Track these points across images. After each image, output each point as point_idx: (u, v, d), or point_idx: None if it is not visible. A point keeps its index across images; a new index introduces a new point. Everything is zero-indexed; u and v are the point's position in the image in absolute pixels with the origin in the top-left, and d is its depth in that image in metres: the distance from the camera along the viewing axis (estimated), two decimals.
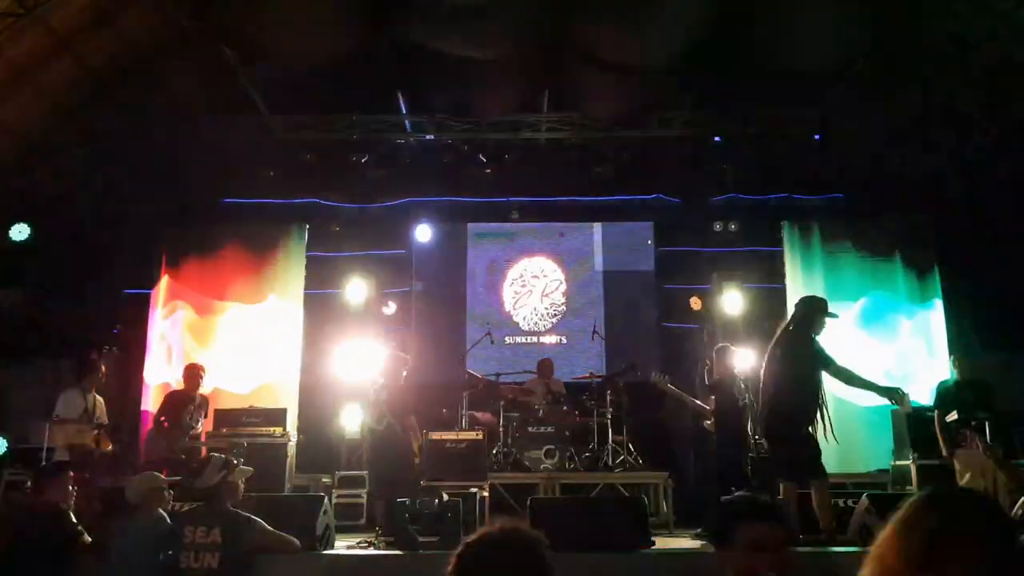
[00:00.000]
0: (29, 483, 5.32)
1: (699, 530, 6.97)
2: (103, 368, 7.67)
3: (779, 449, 6.03)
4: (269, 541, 4.75)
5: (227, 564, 4.38)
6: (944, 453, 7.54)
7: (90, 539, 5.10)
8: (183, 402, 7.86)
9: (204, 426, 7.78)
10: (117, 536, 4.78)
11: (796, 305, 6.45)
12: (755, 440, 7.90)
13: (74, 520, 5.18)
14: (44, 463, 6.69)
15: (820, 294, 10.11)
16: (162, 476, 5.13)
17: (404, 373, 7.18)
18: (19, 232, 8.71)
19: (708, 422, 7.86)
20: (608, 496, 8.26)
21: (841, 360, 6.20)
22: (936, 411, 7.63)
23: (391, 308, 10.91)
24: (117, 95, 9.80)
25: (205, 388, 8.27)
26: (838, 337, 10.01)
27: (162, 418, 7.79)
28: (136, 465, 7.49)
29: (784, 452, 5.98)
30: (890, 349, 10.00)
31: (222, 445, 7.68)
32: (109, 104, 9.81)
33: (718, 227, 11.56)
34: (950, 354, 8.60)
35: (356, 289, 10.15)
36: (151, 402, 9.73)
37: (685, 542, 6.73)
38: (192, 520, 4.51)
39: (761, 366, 6.35)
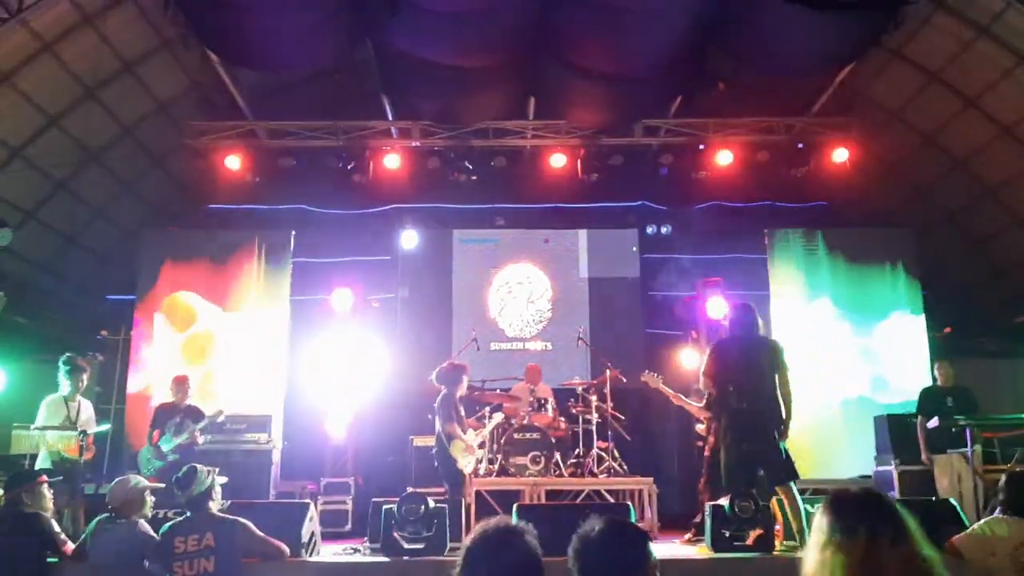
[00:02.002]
0: (1, 491, 5.25)
1: (689, 535, 7.00)
2: (85, 372, 7.59)
3: (774, 453, 6.04)
4: (259, 544, 4.75)
5: (223, 566, 4.38)
6: (923, 458, 7.68)
7: (72, 546, 5.08)
8: (169, 414, 7.82)
9: (195, 436, 7.69)
10: (96, 541, 4.76)
11: (750, 311, 6.42)
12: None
13: (56, 528, 5.15)
14: (23, 470, 6.63)
15: (803, 300, 10.29)
16: (144, 480, 5.10)
17: (460, 380, 7.30)
18: (1, 236, 8.63)
19: (700, 425, 7.89)
20: (593, 502, 8.29)
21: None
22: (919, 417, 7.75)
23: None
24: (101, 99, 9.76)
25: (192, 398, 8.20)
26: (826, 340, 10.17)
27: (153, 431, 7.77)
28: (121, 472, 7.44)
29: (774, 455, 6.01)
30: (874, 353, 10.10)
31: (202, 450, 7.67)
32: (93, 109, 9.77)
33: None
34: (932, 361, 8.70)
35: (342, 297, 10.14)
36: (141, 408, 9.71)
37: (670, 548, 6.75)
38: (181, 531, 4.49)
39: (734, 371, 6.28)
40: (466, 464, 7.18)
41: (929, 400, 7.84)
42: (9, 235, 8.71)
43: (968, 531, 4.24)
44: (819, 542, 2.04)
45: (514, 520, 2.26)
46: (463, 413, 7.43)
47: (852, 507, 2.03)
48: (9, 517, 5.04)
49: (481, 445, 7.51)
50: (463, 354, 10.55)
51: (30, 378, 8.84)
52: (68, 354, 7.43)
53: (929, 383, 8.90)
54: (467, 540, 2.20)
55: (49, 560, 5.05)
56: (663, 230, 11.80)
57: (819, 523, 2.08)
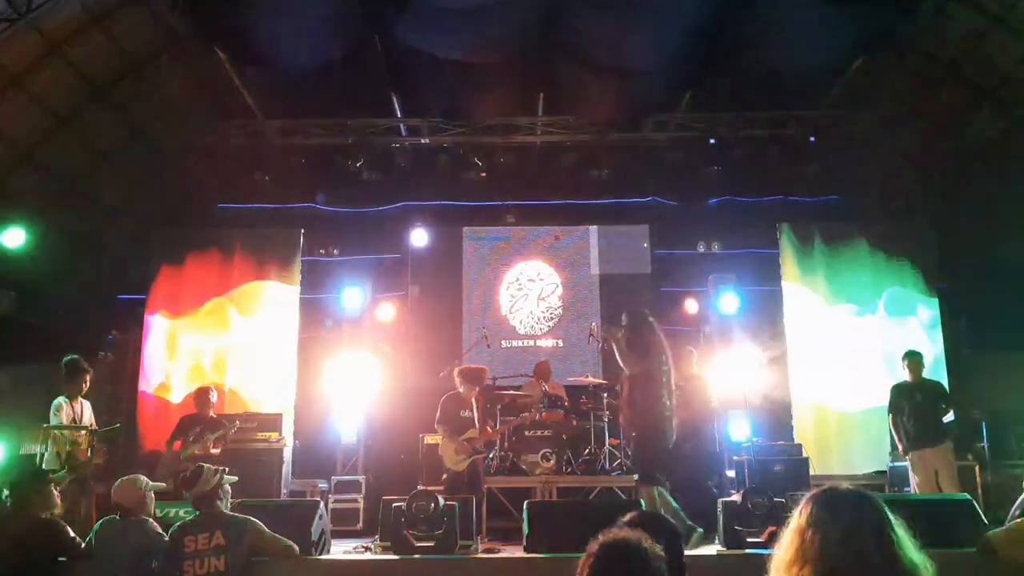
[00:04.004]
0: (8, 490, 5.21)
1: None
2: (88, 374, 7.58)
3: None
4: (268, 543, 4.73)
5: (233, 565, 4.36)
6: (901, 450, 7.62)
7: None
8: (191, 424, 7.86)
9: (207, 446, 7.70)
10: (104, 541, 4.74)
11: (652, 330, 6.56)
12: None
13: (71, 532, 5.12)
14: (29, 470, 6.64)
15: (816, 295, 10.19)
16: (145, 479, 5.07)
17: (475, 383, 7.36)
18: (13, 236, 8.68)
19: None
20: (605, 499, 8.25)
21: None
22: (890, 415, 7.69)
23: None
24: (111, 100, 9.78)
25: (217, 407, 8.21)
26: (839, 335, 10.08)
27: (173, 440, 7.79)
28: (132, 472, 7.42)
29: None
30: (889, 347, 9.99)
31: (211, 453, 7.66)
32: (103, 109, 9.79)
33: (701, 249, 11.62)
34: (947, 355, 8.58)
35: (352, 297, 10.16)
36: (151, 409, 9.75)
37: None
38: (191, 530, 4.47)
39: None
40: (456, 463, 7.14)
41: (899, 396, 7.69)
42: (23, 236, 8.76)
43: (1006, 527, 4.17)
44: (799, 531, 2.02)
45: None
46: (470, 413, 7.38)
47: (835, 501, 2.03)
48: (20, 519, 4.99)
49: (488, 445, 7.44)
50: (473, 351, 10.53)
51: (40, 379, 8.86)
52: (69, 356, 7.42)
53: (945, 377, 8.81)
54: (589, 548, 2.12)
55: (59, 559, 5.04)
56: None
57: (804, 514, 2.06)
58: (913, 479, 7.40)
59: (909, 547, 1.93)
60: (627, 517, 2.56)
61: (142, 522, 4.78)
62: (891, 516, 1.97)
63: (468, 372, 7.52)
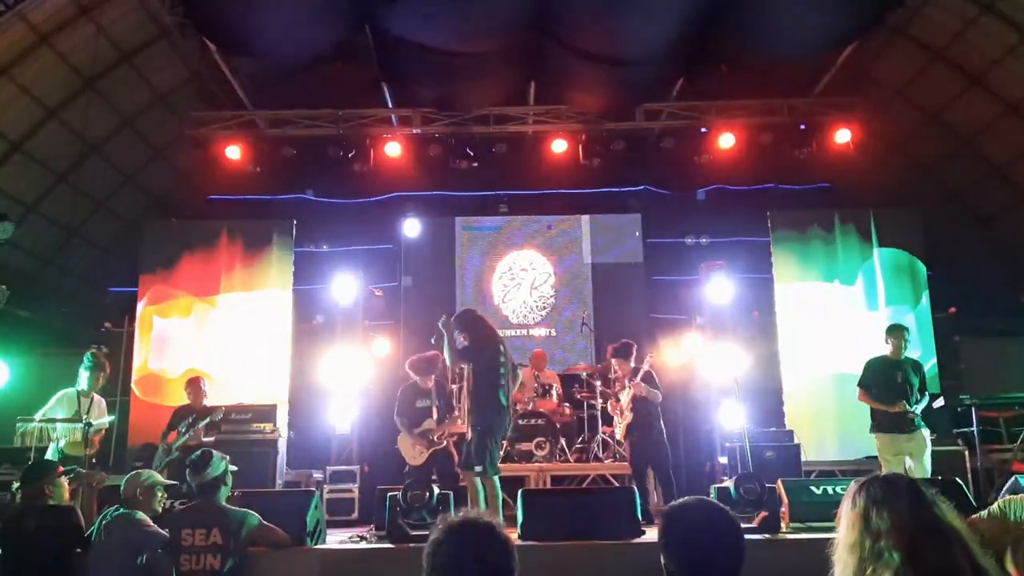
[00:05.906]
0: (19, 483, 5.20)
1: None
2: (104, 372, 7.53)
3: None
4: (265, 534, 4.75)
5: (229, 563, 4.37)
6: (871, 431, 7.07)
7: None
8: (185, 415, 7.84)
9: (198, 434, 7.67)
10: (100, 533, 4.74)
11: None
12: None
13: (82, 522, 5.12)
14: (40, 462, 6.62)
15: (807, 282, 10.23)
16: (156, 475, 5.09)
17: (430, 371, 7.34)
18: (2, 230, 8.63)
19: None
20: (598, 486, 8.29)
21: None
22: (859, 389, 7.08)
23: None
24: (100, 91, 9.73)
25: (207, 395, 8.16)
26: (831, 322, 10.11)
27: (168, 432, 7.76)
28: (125, 464, 7.43)
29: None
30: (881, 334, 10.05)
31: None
32: (92, 100, 9.74)
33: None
34: (936, 341, 8.59)
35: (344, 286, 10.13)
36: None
37: None
38: (188, 522, 4.46)
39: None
40: (413, 457, 7.12)
41: (876, 372, 6.97)
42: (11, 229, 8.71)
43: (988, 510, 4.17)
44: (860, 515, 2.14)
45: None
46: (428, 403, 7.32)
47: (889, 483, 2.19)
48: (35, 511, 4.96)
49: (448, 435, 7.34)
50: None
51: (33, 372, 8.85)
52: (92, 350, 7.40)
53: (935, 362, 8.83)
54: (432, 535, 2.02)
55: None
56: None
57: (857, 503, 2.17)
58: (882, 462, 6.84)
59: (957, 516, 2.12)
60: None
61: (132, 516, 4.76)
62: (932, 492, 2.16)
63: (417, 363, 7.47)
